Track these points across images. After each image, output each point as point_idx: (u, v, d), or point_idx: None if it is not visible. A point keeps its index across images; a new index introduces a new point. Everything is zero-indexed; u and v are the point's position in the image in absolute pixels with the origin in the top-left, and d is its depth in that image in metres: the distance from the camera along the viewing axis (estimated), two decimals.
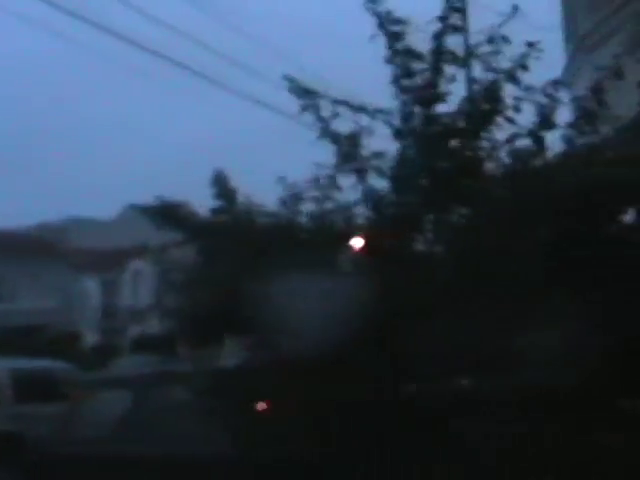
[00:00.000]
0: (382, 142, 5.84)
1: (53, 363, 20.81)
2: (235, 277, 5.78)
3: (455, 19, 5.73)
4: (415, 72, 5.63)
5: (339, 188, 6.00)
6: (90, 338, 60.38)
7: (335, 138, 5.86)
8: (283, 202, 6.13)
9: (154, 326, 65.28)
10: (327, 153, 6.13)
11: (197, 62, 17.75)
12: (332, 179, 5.97)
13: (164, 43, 16.71)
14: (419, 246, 5.62)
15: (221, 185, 6.30)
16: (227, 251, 5.85)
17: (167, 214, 6.43)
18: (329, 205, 6.01)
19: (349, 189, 6.00)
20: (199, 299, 6.03)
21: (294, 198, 5.97)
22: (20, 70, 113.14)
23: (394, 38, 5.81)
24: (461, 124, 5.51)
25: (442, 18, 5.74)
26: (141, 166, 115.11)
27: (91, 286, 63.63)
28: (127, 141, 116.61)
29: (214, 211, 6.30)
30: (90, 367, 23.82)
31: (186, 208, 6.41)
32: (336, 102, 5.82)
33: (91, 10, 15.06)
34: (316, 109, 5.91)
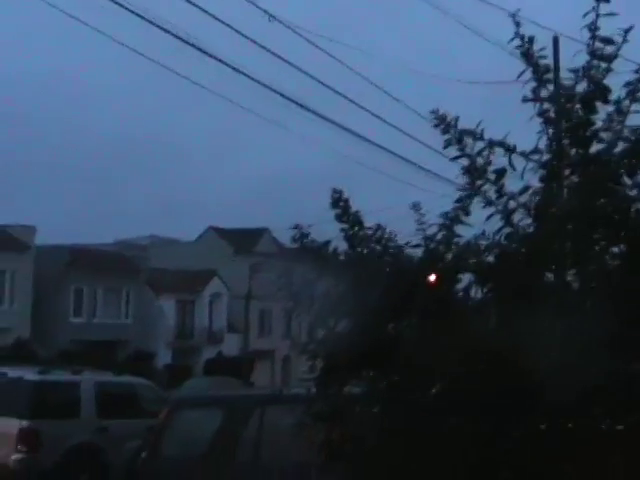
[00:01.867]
0: (518, 182, 5.67)
1: (136, 379, 20.84)
2: (387, 313, 5.57)
3: (606, 51, 5.53)
4: (568, 112, 5.45)
5: (464, 222, 5.79)
6: (164, 357, 60.84)
7: (480, 174, 5.67)
8: (422, 230, 5.88)
9: (229, 348, 65.73)
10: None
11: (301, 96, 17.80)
12: (460, 214, 5.77)
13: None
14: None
15: (344, 207, 6.04)
16: (376, 283, 5.61)
17: (308, 249, 6.13)
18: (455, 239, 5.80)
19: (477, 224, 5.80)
20: (349, 333, 5.81)
21: (444, 228, 5.74)
22: (116, 96, 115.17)
23: (545, 82, 5.65)
24: (616, 162, 5.33)
25: (592, 53, 5.53)
26: (225, 191, 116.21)
27: (168, 306, 64.05)
28: (214, 166, 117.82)
29: (344, 237, 6.00)
30: (164, 386, 23.81)
31: (328, 246, 6.10)
32: (491, 142, 5.65)
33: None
34: (462, 145, 5.73)
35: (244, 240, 71.69)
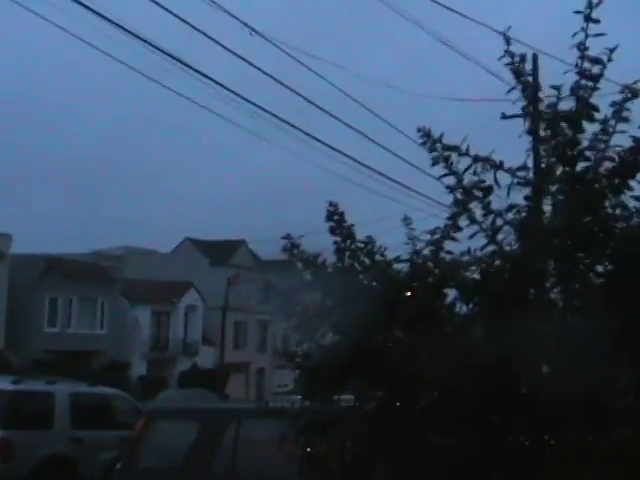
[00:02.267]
0: (501, 200, 5.71)
1: (110, 390, 20.73)
2: (373, 325, 5.56)
3: (593, 69, 5.55)
4: (557, 131, 5.48)
5: (454, 239, 5.82)
6: (139, 368, 60.56)
7: (467, 192, 5.70)
8: (411, 243, 5.89)
9: (204, 360, 65.52)
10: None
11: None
12: (450, 229, 5.79)
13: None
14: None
15: (338, 221, 6.05)
16: (363, 296, 5.60)
17: (298, 259, 6.12)
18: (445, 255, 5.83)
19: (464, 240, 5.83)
20: (336, 345, 5.80)
21: (433, 242, 5.76)
22: (100, 104, 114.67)
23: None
24: (603, 181, 5.37)
25: (581, 73, 5.56)
26: (202, 203, 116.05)
27: (143, 316, 63.83)
28: (192, 178, 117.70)
29: (336, 250, 6.00)
30: (138, 397, 23.71)
31: (317, 257, 6.10)
32: (476, 158, 5.67)
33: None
34: (448, 163, 5.76)
35: (220, 252, 71.67)
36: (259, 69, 17.06)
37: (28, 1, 14.54)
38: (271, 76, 17.28)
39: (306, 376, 5.97)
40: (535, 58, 22.13)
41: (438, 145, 5.75)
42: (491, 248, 5.60)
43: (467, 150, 5.68)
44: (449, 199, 5.78)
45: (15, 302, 53.12)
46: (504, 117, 6.36)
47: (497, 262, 5.55)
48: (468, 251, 5.63)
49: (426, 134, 5.78)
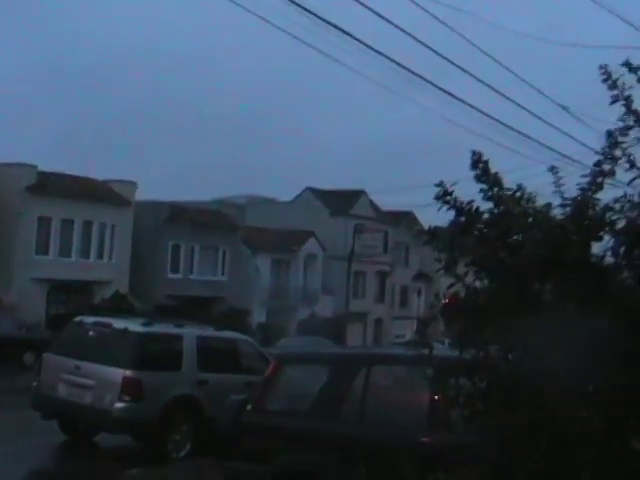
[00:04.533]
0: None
1: (237, 335, 20.99)
2: (533, 272, 5.45)
3: None
4: None
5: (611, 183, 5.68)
6: (258, 315, 61.30)
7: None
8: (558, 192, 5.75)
9: (323, 309, 65.99)
10: None
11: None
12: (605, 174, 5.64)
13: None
14: None
15: (483, 168, 5.91)
16: (521, 243, 5.49)
17: (452, 207, 6.04)
18: None
19: None
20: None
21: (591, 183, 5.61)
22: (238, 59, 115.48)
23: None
24: None
25: None
26: (324, 153, 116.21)
27: (264, 264, 64.46)
28: (315, 128, 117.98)
29: (484, 198, 5.89)
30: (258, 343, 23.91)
31: (471, 207, 6.01)
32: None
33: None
34: (629, 101, 5.59)
35: (341, 202, 71.74)
36: (392, 23, 16.76)
37: None
38: (404, 30, 16.96)
39: (462, 324, 5.88)
40: None
41: (620, 83, 5.58)
42: None
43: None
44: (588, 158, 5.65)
45: (139, 248, 54.27)
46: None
47: None
48: (624, 196, 5.45)
49: (607, 72, 5.61)
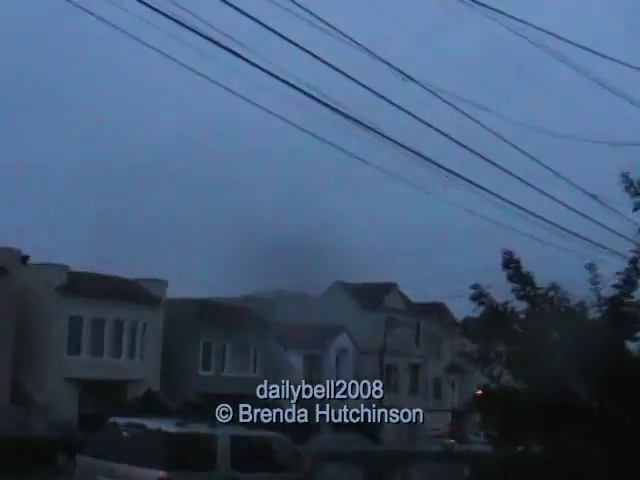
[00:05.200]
0: None
1: (270, 433, 20.79)
2: (569, 371, 5.42)
3: None
4: None
5: None
6: (293, 411, 60.64)
7: None
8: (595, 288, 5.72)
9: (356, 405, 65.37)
10: None
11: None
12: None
13: None
14: None
15: (515, 268, 5.93)
16: (557, 342, 5.48)
17: (490, 313, 6.05)
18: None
19: None
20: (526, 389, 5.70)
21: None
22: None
23: None
24: None
25: None
26: (353, 245, 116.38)
27: (296, 360, 64.13)
28: (343, 219, 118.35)
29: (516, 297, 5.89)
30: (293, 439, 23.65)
31: (506, 309, 6.00)
32: None
33: None
34: None
35: (371, 295, 71.64)
36: (414, 115, 16.89)
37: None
38: (427, 123, 17.07)
39: (497, 420, 5.82)
40: None
41: None
42: None
43: None
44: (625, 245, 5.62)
45: (170, 346, 54.22)
46: None
47: None
48: None
49: (629, 180, 5.66)
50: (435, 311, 76.69)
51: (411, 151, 16.80)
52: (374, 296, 71.80)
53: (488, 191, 19.47)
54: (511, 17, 15.88)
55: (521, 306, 5.72)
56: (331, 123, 15.97)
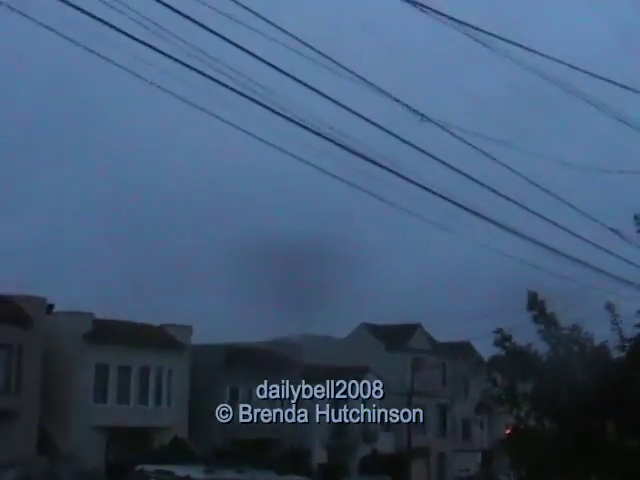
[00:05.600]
0: None
1: (298, 477, 20.70)
2: (594, 410, 5.36)
3: None
4: None
5: None
6: (319, 455, 60.34)
7: None
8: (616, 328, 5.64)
9: (384, 446, 64.90)
10: None
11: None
12: None
13: None
14: None
15: (540, 309, 5.89)
16: (580, 383, 5.41)
17: (513, 354, 6.03)
18: None
19: None
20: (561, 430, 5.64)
21: None
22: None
23: None
24: None
25: None
26: (377, 287, 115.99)
27: (322, 403, 63.74)
28: (366, 263, 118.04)
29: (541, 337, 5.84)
30: None
31: (529, 350, 5.97)
32: None
33: None
34: None
35: (396, 336, 71.42)
36: (439, 160, 16.83)
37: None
38: (448, 165, 17.01)
39: (526, 460, 5.74)
40: None
41: None
42: None
43: None
44: None
45: (197, 392, 54.08)
46: None
47: None
48: None
49: None
50: (461, 350, 76.26)
51: (432, 192, 16.76)
52: (399, 337, 71.61)
53: (509, 229, 19.41)
54: (532, 51, 15.85)
55: (545, 346, 5.66)
56: (352, 165, 15.99)
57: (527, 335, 5.62)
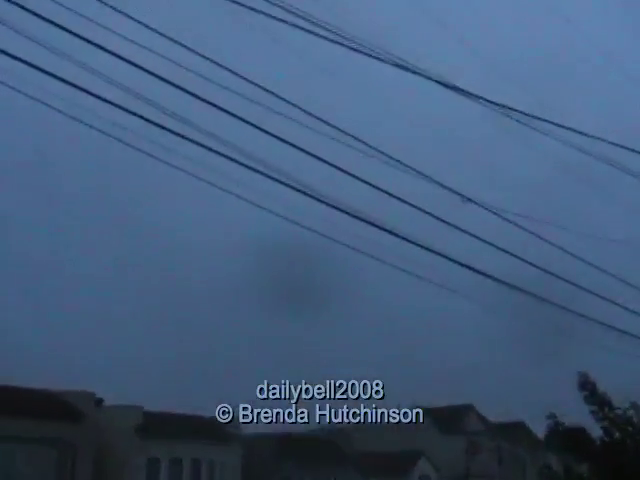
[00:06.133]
0: None
1: None
2: None
3: None
4: None
5: None
6: None
7: None
8: None
9: None
10: None
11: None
12: None
13: None
14: None
15: (591, 390, 5.69)
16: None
17: (567, 439, 5.85)
18: None
19: None
20: None
21: None
22: None
23: None
24: None
25: None
26: (427, 370, 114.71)
27: None
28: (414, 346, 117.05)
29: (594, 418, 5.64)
30: None
31: (583, 433, 5.80)
32: None
33: None
34: None
35: (449, 418, 70.39)
36: (480, 239, 16.68)
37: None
38: (491, 243, 16.86)
39: None
40: None
41: None
42: None
43: None
44: None
45: None
46: None
47: None
48: None
49: None
50: (516, 431, 74.96)
51: (478, 271, 16.58)
52: (452, 419, 70.57)
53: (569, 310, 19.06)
54: (572, 130, 15.78)
55: (598, 427, 5.47)
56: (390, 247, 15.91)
57: (580, 416, 5.44)
